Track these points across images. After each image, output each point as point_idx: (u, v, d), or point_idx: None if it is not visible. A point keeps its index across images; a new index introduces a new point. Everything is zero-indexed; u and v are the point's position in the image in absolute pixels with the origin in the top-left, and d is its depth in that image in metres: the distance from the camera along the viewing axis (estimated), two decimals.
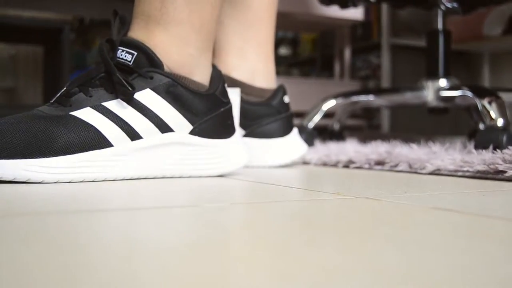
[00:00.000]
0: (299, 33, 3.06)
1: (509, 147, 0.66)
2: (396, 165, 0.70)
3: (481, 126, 0.86)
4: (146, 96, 0.55)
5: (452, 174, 0.63)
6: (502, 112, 0.84)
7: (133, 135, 0.54)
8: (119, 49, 0.56)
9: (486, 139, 0.75)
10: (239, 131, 0.63)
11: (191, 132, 0.58)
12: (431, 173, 0.65)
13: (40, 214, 0.33)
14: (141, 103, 0.54)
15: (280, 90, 0.79)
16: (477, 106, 0.88)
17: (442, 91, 1.03)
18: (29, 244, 0.24)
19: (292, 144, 0.77)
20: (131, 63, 0.55)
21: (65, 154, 0.51)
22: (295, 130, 0.78)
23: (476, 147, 0.75)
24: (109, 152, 0.53)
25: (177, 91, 0.56)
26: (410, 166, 0.68)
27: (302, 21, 1.94)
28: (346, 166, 0.76)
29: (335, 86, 2.07)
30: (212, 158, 0.60)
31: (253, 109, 0.75)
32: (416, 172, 0.66)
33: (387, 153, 0.74)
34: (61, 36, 2.09)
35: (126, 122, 0.54)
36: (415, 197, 0.44)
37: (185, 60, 0.58)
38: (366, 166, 0.74)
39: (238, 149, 0.62)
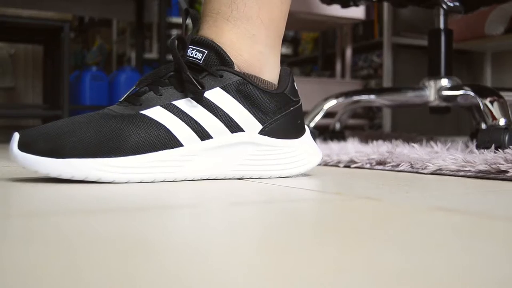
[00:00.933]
0: (300, 32, 3.06)
1: (511, 146, 0.66)
2: (397, 165, 0.70)
3: (483, 126, 0.85)
4: (216, 95, 0.54)
5: (454, 174, 0.62)
6: (504, 112, 0.84)
7: (203, 134, 0.53)
8: (190, 47, 0.55)
9: (488, 138, 0.75)
10: (308, 130, 0.62)
11: (261, 132, 0.57)
12: (433, 173, 0.65)
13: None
14: (211, 101, 0.54)
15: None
16: (479, 106, 0.88)
17: (443, 90, 1.03)
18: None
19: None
20: (201, 62, 0.54)
21: (136, 154, 0.51)
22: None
23: (478, 146, 0.74)
24: (179, 152, 0.52)
25: (247, 89, 0.55)
26: (412, 166, 0.68)
27: (303, 20, 1.94)
28: (347, 166, 0.76)
29: (336, 86, 2.06)
30: (284, 159, 0.58)
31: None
32: (417, 172, 0.66)
33: (388, 153, 0.74)
34: (60, 35, 2.09)
35: (196, 122, 0.53)
36: (416, 197, 0.43)
37: (254, 58, 0.57)
38: (368, 166, 0.74)
39: (309, 149, 0.60)
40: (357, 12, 1.98)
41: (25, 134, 0.50)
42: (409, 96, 1.09)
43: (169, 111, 0.52)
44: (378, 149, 0.78)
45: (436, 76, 1.06)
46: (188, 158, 0.53)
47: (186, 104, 0.53)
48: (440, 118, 2.07)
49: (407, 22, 2.22)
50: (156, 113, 0.52)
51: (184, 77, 0.53)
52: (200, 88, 0.53)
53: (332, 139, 1.14)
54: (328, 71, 2.61)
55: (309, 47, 2.93)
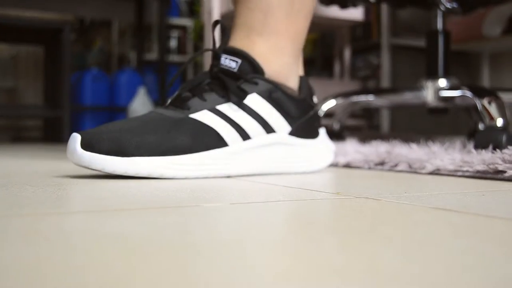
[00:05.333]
0: None
1: (509, 147, 0.67)
2: (395, 165, 0.70)
3: (481, 126, 0.86)
4: (253, 100, 0.60)
5: (452, 174, 0.63)
6: (502, 112, 0.84)
7: (244, 135, 0.59)
8: (223, 56, 0.60)
9: (486, 139, 0.75)
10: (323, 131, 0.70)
11: (290, 133, 0.64)
12: (431, 173, 0.65)
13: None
14: (248, 106, 0.59)
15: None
16: (477, 106, 0.88)
17: (441, 91, 1.04)
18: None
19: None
20: (236, 70, 0.60)
21: (192, 153, 0.56)
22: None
23: (476, 147, 0.75)
24: (226, 151, 0.58)
25: (278, 95, 0.61)
26: (410, 166, 0.68)
27: None
28: (346, 166, 0.76)
29: (335, 86, 2.07)
30: (308, 156, 0.66)
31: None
32: (415, 172, 0.66)
33: (386, 153, 0.74)
34: (61, 36, 2.09)
35: (238, 124, 0.59)
36: (414, 197, 0.43)
37: (282, 68, 0.63)
38: (366, 166, 0.74)
39: (326, 147, 0.68)
40: (356, 14, 1.98)
41: (87, 135, 0.53)
42: (407, 97, 1.10)
43: (215, 114, 0.58)
44: (377, 149, 0.79)
45: (434, 77, 1.06)
46: (234, 157, 0.59)
47: (229, 108, 0.58)
48: (438, 118, 2.07)
49: (405, 23, 2.23)
50: (204, 116, 0.57)
51: (227, 85, 0.59)
52: (243, 95, 0.59)
53: (330, 139, 1.15)
54: (326, 72, 2.62)
55: (308, 48, 2.93)
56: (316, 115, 0.68)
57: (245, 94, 0.59)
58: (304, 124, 0.65)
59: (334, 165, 0.78)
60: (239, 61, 0.60)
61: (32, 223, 0.30)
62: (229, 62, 0.60)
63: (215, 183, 0.53)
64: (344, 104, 1.18)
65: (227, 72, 0.60)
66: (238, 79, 0.60)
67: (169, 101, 0.61)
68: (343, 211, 0.37)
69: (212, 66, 0.61)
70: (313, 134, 0.67)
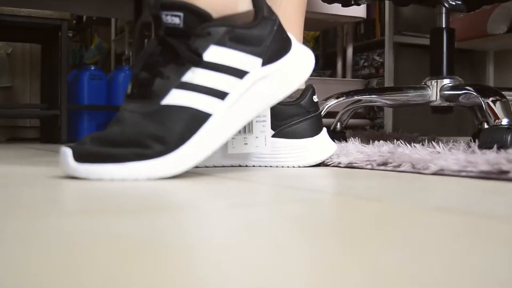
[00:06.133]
0: None
1: None
2: (399, 165, 0.69)
3: (485, 126, 0.84)
4: (213, 53, 0.55)
5: (456, 174, 0.62)
6: (507, 112, 0.83)
7: (221, 94, 0.56)
8: (163, 14, 0.55)
9: (490, 138, 0.74)
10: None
11: (263, 64, 0.59)
12: (435, 174, 0.64)
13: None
14: (211, 62, 0.55)
15: (309, 90, 0.78)
16: (481, 105, 0.87)
17: (445, 90, 1.02)
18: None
19: (321, 144, 0.77)
20: (181, 25, 0.54)
21: (184, 142, 0.54)
22: (324, 130, 0.78)
23: (480, 146, 0.74)
24: (212, 121, 0.55)
25: (235, 34, 0.56)
26: (413, 166, 0.67)
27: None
28: (348, 166, 0.75)
29: (337, 85, 2.06)
30: (289, 74, 0.63)
31: (283, 109, 0.74)
32: (419, 173, 0.65)
33: (390, 153, 0.73)
34: (58, 34, 2.08)
35: (209, 87, 0.55)
36: (418, 197, 0.43)
37: None
38: (369, 166, 0.73)
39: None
40: (358, 11, 1.97)
41: (76, 148, 0.52)
42: (411, 96, 1.08)
43: (184, 89, 0.54)
44: (380, 149, 0.78)
45: (438, 75, 1.05)
46: (222, 120, 0.56)
47: (193, 75, 0.54)
48: (442, 118, 2.06)
49: (409, 21, 2.21)
50: (176, 98, 0.54)
51: (179, 50, 0.54)
52: (197, 56, 0.54)
53: (333, 139, 1.13)
54: (329, 70, 2.61)
55: (310, 46, 2.92)
56: (279, 27, 0.62)
57: (200, 53, 0.54)
58: (273, 43, 0.60)
59: (336, 165, 0.77)
60: (181, 14, 0.55)
61: (30, 224, 0.30)
62: (172, 19, 0.55)
63: (214, 183, 0.53)
64: (347, 103, 1.17)
65: (174, 31, 0.55)
66: (189, 37, 0.55)
67: (129, 87, 0.57)
68: (344, 211, 0.37)
69: (157, 29, 0.56)
70: (286, 48, 0.62)
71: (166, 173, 0.53)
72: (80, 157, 0.52)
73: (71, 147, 0.53)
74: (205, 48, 0.55)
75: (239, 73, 0.57)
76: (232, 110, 0.57)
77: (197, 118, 0.55)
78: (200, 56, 0.54)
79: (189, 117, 0.54)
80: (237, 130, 0.58)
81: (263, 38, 0.59)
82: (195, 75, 0.54)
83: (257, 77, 0.59)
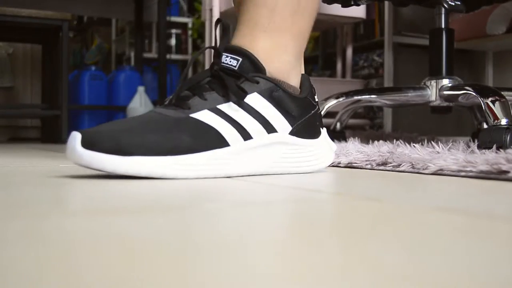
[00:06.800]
0: None
1: None
2: (398, 165, 0.69)
3: (485, 126, 0.85)
4: (254, 99, 0.59)
5: (455, 174, 0.62)
6: (506, 112, 0.83)
7: (245, 135, 0.59)
8: (224, 55, 0.60)
9: (490, 138, 0.74)
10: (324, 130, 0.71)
11: (291, 133, 0.63)
12: (434, 173, 0.64)
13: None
14: (249, 105, 0.59)
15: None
16: (481, 106, 0.87)
17: (445, 90, 1.03)
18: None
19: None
20: (236, 68, 0.59)
21: (193, 153, 0.55)
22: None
23: (479, 146, 0.74)
24: (227, 150, 0.57)
25: (279, 94, 0.61)
26: (413, 166, 0.67)
27: None
28: (348, 166, 0.76)
29: (337, 85, 2.06)
30: (309, 156, 0.66)
31: None
32: (418, 172, 0.66)
33: (389, 153, 0.74)
34: (59, 35, 2.08)
35: (239, 124, 0.58)
36: (417, 197, 0.43)
37: (284, 66, 0.63)
38: (368, 166, 0.73)
39: (327, 147, 0.69)
40: (358, 11, 1.97)
41: (87, 133, 0.52)
42: (410, 96, 1.09)
43: (216, 114, 0.57)
44: (379, 149, 0.78)
45: (438, 75, 1.05)
46: (235, 157, 0.58)
47: (229, 108, 0.58)
48: (442, 118, 2.06)
49: (408, 21, 2.21)
50: (205, 116, 0.57)
51: (227, 83, 0.58)
52: (243, 93, 0.58)
53: (332, 139, 1.14)
54: (328, 71, 2.61)
55: (310, 46, 2.92)
56: (317, 114, 0.68)
57: (245, 93, 0.58)
58: (305, 123, 0.65)
59: (336, 165, 0.77)
60: (240, 59, 0.60)
61: (31, 224, 0.30)
62: (230, 60, 0.60)
63: (215, 183, 0.53)
64: (346, 103, 1.17)
65: (228, 70, 0.59)
66: (239, 78, 0.59)
67: (167, 100, 0.60)
68: (344, 211, 0.37)
69: (213, 64, 0.61)
70: (314, 134, 0.67)
71: (165, 173, 0.54)
72: (88, 144, 0.52)
73: (82, 131, 0.53)
74: (249, 91, 0.59)
75: (269, 127, 0.60)
76: (247, 153, 0.59)
77: (217, 139, 0.57)
78: (246, 93, 0.58)
79: (209, 134, 0.56)
80: (239, 174, 0.59)
81: (298, 112, 0.63)
82: (231, 108, 0.58)
83: (282, 139, 0.62)
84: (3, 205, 0.37)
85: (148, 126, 0.55)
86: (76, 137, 0.52)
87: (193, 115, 0.57)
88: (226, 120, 0.58)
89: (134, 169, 0.52)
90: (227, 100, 0.58)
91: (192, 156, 0.55)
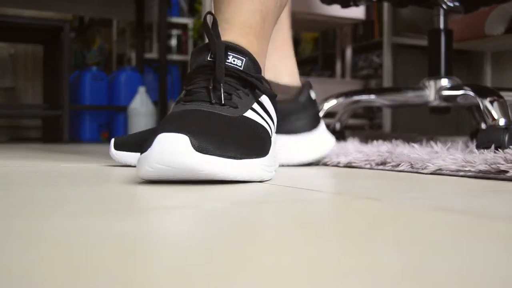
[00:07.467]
0: (300, 32, 3.05)
1: (511, 146, 0.66)
2: (397, 165, 0.70)
3: (483, 126, 0.85)
4: (264, 98, 0.60)
5: (454, 174, 0.62)
6: (504, 112, 0.84)
7: (271, 131, 0.61)
8: (229, 54, 0.58)
9: (488, 138, 0.75)
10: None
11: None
12: (433, 173, 0.64)
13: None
14: (263, 105, 0.60)
15: (307, 86, 0.79)
16: (479, 106, 0.88)
17: (443, 90, 1.03)
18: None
19: (320, 139, 0.79)
20: (241, 68, 0.58)
21: (267, 154, 0.56)
22: (322, 124, 0.81)
23: (478, 146, 0.74)
24: (273, 145, 0.60)
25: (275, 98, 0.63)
26: (412, 166, 0.68)
27: (303, 20, 1.94)
28: (347, 166, 0.76)
29: (337, 86, 2.06)
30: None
31: (281, 106, 0.74)
32: (417, 172, 0.66)
33: (388, 153, 0.74)
34: (60, 35, 2.09)
35: (267, 121, 0.60)
36: (416, 197, 0.43)
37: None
38: (367, 165, 0.74)
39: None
40: (357, 12, 1.98)
41: (196, 137, 0.47)
42: (409, 96, 1.09)
43: (254, 112, 0.58)
44: (378, 149, 0.78)
45: (436, 76, 1.06)
46: (277, 149, 0.64)
47: (258, 106, 0.59)
48: (440, 118, 2.07)
49: (407, 22, 2.22)
50: (252, 115, 0.57)
51: (254, 83, 0.58)
52: (260, 94, 0.59)
53: None
54: (328, 71, 2.61)
55: (309, 47, 2.93)
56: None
57: (260, 93, 0.59)
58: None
59: (335, 164, 0.77)
60: (244, 59, 0.59)
61: (31, 223, 0.29)
62: (235, 60, 0.59)
63: (214, 182, 0.53)
64: (346, 104, 1.17)
65: (232, 69, 0.58)
66: (245, 79, 0.59)
67: (182, 94, 0.58)
68: (343, 211, 0.37)
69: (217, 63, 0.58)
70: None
71: (263, 175, 0.54)
72: (200, 148, 0.47)
73: (190, 136, 0.47)
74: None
75: (273, 121, 0.62)
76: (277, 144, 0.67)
77: (268, 136, 0.58)
78: (261, 93, 0.59)
79: (265, 133, 0.58)
80: (280, 164, 0.66)
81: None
82: (259, 107, 0.59)
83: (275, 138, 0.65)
84: (4, 205, 0.37)
85: (229, 127, 0.53)
86: (184, 140, 0.45)
87: (245, 115, 0.57)
88: (263, 118, 0.59)
89: (244, 173, 0.51)
90: (253, 99, 0.59)
91: (268, 157, 0.56)
